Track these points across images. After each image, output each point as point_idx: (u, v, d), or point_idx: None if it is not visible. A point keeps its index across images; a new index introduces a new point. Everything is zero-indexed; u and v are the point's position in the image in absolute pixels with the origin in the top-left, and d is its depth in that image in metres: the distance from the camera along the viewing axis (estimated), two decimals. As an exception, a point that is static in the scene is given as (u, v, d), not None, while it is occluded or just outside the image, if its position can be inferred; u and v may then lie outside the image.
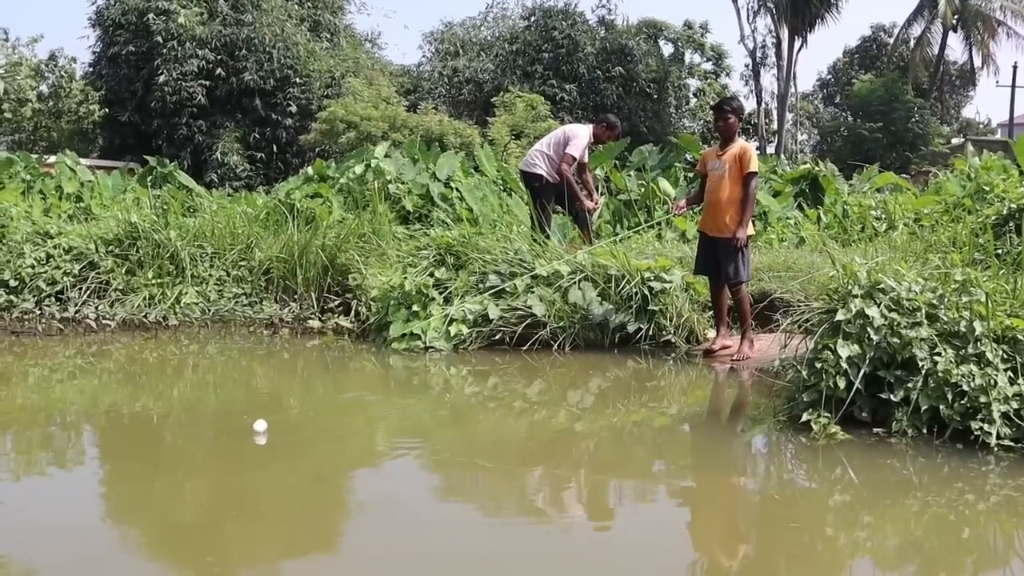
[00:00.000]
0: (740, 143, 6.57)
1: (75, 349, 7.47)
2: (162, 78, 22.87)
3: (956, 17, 34.69)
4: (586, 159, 8.57)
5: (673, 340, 7.06)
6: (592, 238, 8.51)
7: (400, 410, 5.88)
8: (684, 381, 6.53)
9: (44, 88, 24.88)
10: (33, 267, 8.51)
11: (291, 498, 4.05)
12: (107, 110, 24.39)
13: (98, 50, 24.98)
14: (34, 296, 8.40)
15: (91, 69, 25.67)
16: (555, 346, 7.04)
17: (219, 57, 23.43)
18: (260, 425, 4.83)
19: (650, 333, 7.06)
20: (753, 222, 6.83)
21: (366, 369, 7.06)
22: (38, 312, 8.28)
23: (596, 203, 8.74)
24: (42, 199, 11.13)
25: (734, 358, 6.64)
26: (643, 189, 11.50)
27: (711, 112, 6.86)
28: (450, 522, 3.79)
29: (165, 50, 23.00)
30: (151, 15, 23.08)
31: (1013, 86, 36.04)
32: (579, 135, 8.22)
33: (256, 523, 3.74)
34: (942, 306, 4.81)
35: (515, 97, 22.44)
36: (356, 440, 5.22)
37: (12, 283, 8.40)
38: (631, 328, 7.06)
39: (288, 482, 4.27)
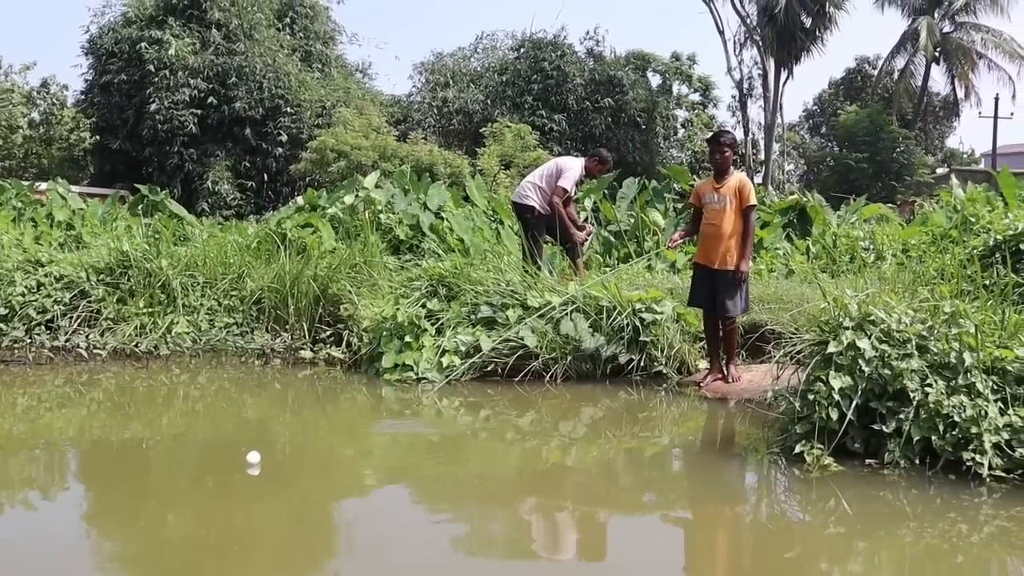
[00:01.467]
0: (738, 176, 6.63)
1: (65, 378, 7.43)
2: (154, 106, 22.96)
3: (938, 50, 35.22)
4: (573, 192, 8.62)
5: (664, 371, 7.07)
6: (583, 269, 8.55)
7: (392, 442, 5.87)
8: (676, 412, 6.55)
9: (35, 115, 24.92)
10: (23, 295, 8.45)
11: (281, 532, 4.03)
12: (98, 137, 24.43)
13: (90, 78, 25.08)
14: (24, 324, 8.33)
15: (83, 97, 25.74)
16: (547, 377, 7.05)
17: (211, 86, 23.55)
18: (253, 456, 4.81)
19: (642, 364, 7.09)
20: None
21: (358, 400, 7.05)
22: (28, 341, 8.22)
23: (588, 232, 8.79)
24: (33, 227, 11.09)
25: (727, 383, 6.68)
26: (632, 220, 11.58)
27: (706, 144, 6.91)
28: (442, 556, 3.78)
29: (157, 79, 23.10)
30: (144, 44, 23.21)
31: (996, 117, 36.54)
32: (571, 168, 8.29)
33: (246, 556, 3.72)
34: (932, 337, 4.87)
35: (504, 127, 22.61)
36: (346, 473, 5.21)
37: (2, 311, 8.33)
38: (623, 359, 7.08)
39: (278, 515, 4.25)
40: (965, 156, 44.00)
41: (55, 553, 3.71)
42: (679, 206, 12.07)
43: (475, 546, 3.98)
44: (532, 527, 4.24)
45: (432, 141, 24.06)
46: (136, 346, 8.21)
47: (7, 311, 8.37)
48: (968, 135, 71.39)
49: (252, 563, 3.65)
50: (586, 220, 10.92)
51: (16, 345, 8.17)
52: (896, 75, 37.64)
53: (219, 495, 4.57)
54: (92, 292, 8.57)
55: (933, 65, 36.32)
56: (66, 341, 8.24)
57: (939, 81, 38.27)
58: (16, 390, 7.09)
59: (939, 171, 33.52)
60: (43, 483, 4.88)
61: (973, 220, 9.04)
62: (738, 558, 3.93)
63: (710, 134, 7.21)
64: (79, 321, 8.45)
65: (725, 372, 6.76)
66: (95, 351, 8.12)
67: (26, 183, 13.90)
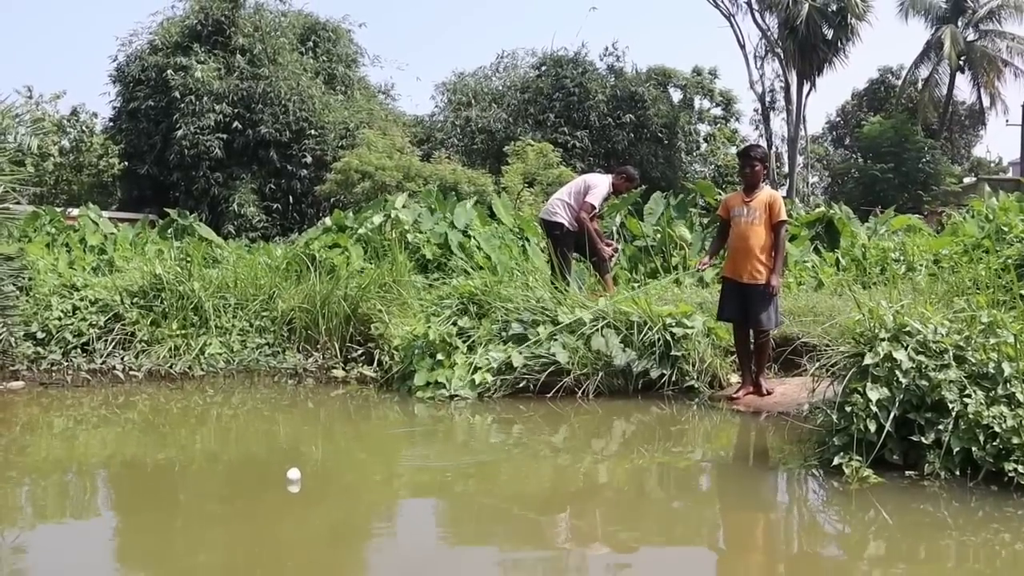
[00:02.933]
0: (768, 191, 6.64)
1: (102, 400, 7.54)
2: (180, 132, 23.24)
3: (962, 58, 34.94)
4: (600, 209, 8.65)
5: (696, 385, 7.06)
6: (611, 284, 8.56)
7: (425, 459, 5.89)
8: (709, 426, 6.52)
9: (66, 143, 25.34)
10: (60, 319, 8.60)
11: (316, 551, 4.03)
12: (126, 163, 24.77)
13: (118, 105, 25.43)
14: (61, 348, 8.47)
15: (111, 123, 26.11)
16: (579, 393, 7.05)
17: (236, 111, 23.80)
18: (294, 473, 4.85)
19: (673, 379, 7.08)
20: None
21: (390, 418, 7.09)
22: (66, 363, 8.34)
23: (613, 248, 8.82)
24: (67, 252, 11.27)
25: (760, 396, 6.66)
26: (659, 235, 11.56)
27: (737, 158, 6.91)
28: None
29: (183, 104, 23.40)
30: (170, 71, 23.53)
31: (1023, 125, 36.11)
32: (599, 185, 8.33)
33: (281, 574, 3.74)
34: (969, 348, 4.83)
35: (526, 145, 22.69)
36: (380, 491, 5.22)
37: (40, 335, 8.49)
38: (654, 374, 7.08)
39: (313, 534, 4.27)
40: (992, 165, 43.52)
41: (88, 572, 3.75)
42: (705, 220, 12.04)
43: (509, 566, 3.98)
44: (566, 547, 4.22)
45: (456, 160, 24.17)
46: (171, 367, 8.31)
47: (44, 335, 8.51)
48: (995, 143, 70.80)
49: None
50: (611, 236, 10.94)
51: (54, 368, 8.30)
52: (920, 85, 37.35)
53: (254, 514, 4.60)
54: (126, 315, 8.69)
55: (958, 74, 36.00)
56: (102, 363, 8.36)
57: (964, 90, 37.91)
58: (54, 412, 7.20)
59: (966, 180, 33.18)
60: (81, 503, 4.94)
61: (1006, 229, 8.95)
62: (781, 572, 3.90)
63: (741, 148, 7.21)
64: (114, 343, 8.57)
65: (757, 385, 6.74)
66: (131, 373, 8.23)
67: (58, 209, 14.12)
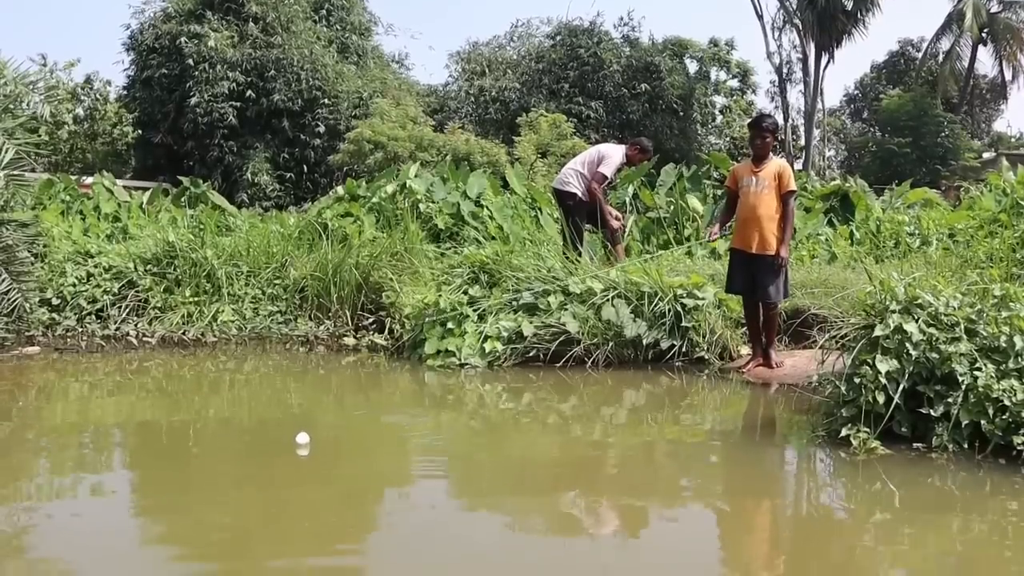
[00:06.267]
0: (777, 161, 6.60)
1: (115, 365, 7.61)
2: (194, 100, 23.23)
3: (985, 31, 34.42)
4: (614, 179, 8.62)
5: (706, 357, 7.07)
6: (623, 255, 8.54)
7: (435, 426, 5.93)
8: (718, 397, 6.54)
9: (80, 111, 25.38)
10: (74, 286, 8.70)
11: (324, 516, 4.06)
12: (140, 132, 24.80)
13: (132, 73, 25.42)
14: (75, 314, 8.57)
15: (125, 92, 26.11)
16: (589, 363, 7.07)
17: (249, 79, 23.75)
18: (302, 438, 4.89)
19: (683, 350, 7.09)
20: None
21: (401, 386, 7.13)
22: (80, 329, 8.45)
23: (622, 225, 8.80)
24: (81, 219, 11.33)
25: (770, 368, 6.66)
26: (672, 206, 11.51)
27: (748, 128, 6.85)
28: (483, 540, 3.82)
29: (197, 73, 23.36)
30: (183, 39, 23.47)
31: (1044, 100, 35.57)
32: (612, 155, 8.29)
33: (289, 540, 3.78)
34: (981, 321, 4.80)
35: (539, 116, 22.57)
36: (389, 456, 5.26)
37: (55, 301, 8.59)
38: (664, 345, 7.08)
39: (322, 497, 4.31)
40: (1013, 140, 42.96)
41: (106, 532, 3.82)
42: (719, 192, 11.97)
43: (516, 531, 4.01)
44: (574, 513, 4.24)
45: (469, 130, 24.06)
46: (183, 334, 8.40)
47: (59, 301, 8.62)
48: (1016, 118, 69.73)
49: (298, 542, 3.71)
50: (622, 209, 10.91)
51: (69, 334, 8.41)
52: (941, 57, 36.82)
53: (264, 476, 4.64)
54: (140, 282, 8.77)
55: (980, 46, 35.50)
56: (116, 330, 8.46)
57: (986, 63, 37.39)
58: (69, 377, 7.28)
59: (985, 155, 32.79)
60: (95, 466, 4.99)
61: (1023, 204, 8.86)
62: (784, 543, 3.92)
63: (752, 118, 7.15)
64: (128, 310, 8.66)
65: (767, 357, 6.73)
66: (144, 339, 8.31)
67: (72, 177, 14.17)
